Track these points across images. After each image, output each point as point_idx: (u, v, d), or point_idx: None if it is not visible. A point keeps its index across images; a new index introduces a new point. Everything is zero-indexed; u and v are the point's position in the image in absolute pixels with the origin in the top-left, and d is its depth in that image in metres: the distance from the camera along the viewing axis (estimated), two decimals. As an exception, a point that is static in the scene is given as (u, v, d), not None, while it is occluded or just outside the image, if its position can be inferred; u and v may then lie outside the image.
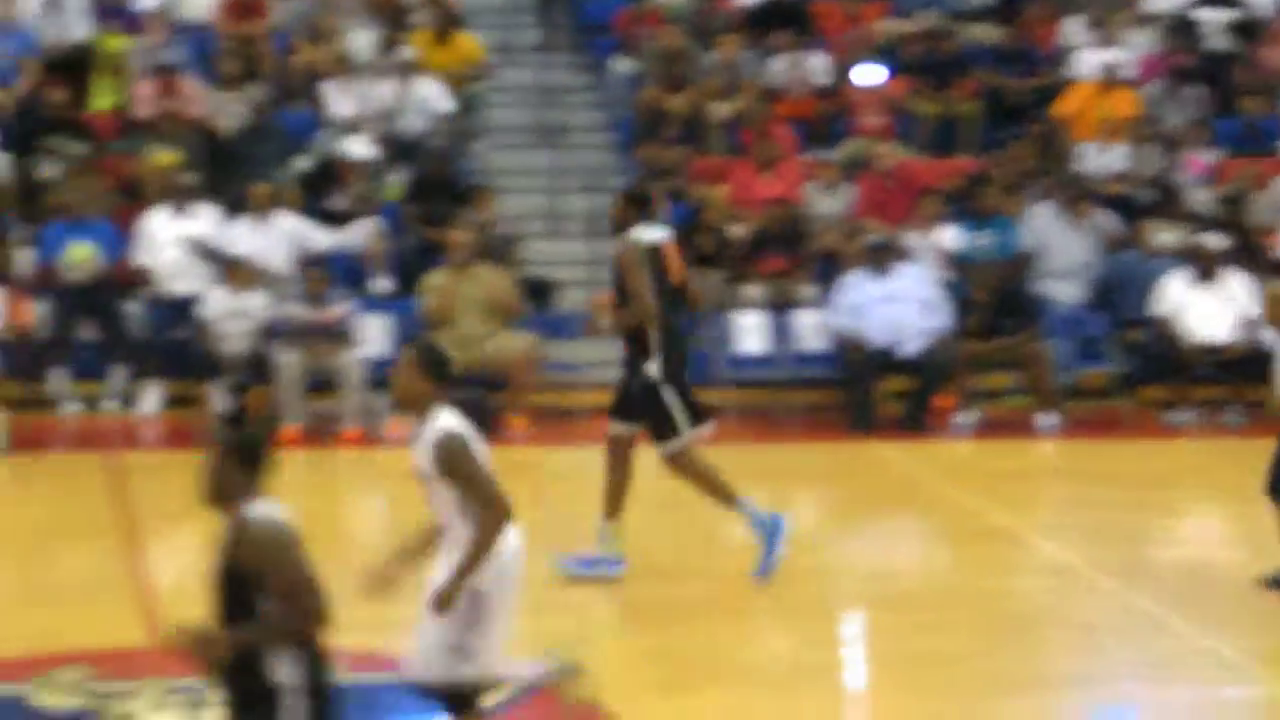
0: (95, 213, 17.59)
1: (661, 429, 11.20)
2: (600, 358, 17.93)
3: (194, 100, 18.99)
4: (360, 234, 18.05)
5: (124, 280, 17.52)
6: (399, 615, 10.49)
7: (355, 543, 12.77)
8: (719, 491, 11.39)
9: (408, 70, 19.38)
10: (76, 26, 19.61)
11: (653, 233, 11.26)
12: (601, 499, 11.45)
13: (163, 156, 18.30)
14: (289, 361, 16.48)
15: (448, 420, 7.19)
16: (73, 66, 19.38)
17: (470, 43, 20.40)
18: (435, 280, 17.19)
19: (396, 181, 18.88)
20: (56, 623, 10.25)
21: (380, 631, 10.14)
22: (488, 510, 7.16)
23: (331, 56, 19.69)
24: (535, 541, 11.66)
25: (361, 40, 20.00)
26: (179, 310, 17.28)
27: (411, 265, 17.90)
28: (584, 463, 16.16)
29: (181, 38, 19.81)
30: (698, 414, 11.33)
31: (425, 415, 7.26)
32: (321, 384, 16.70)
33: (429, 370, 7.25)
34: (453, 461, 7.15)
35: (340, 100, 19.22)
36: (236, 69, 19.27)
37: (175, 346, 17.25)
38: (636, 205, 11.27)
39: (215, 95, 19.14)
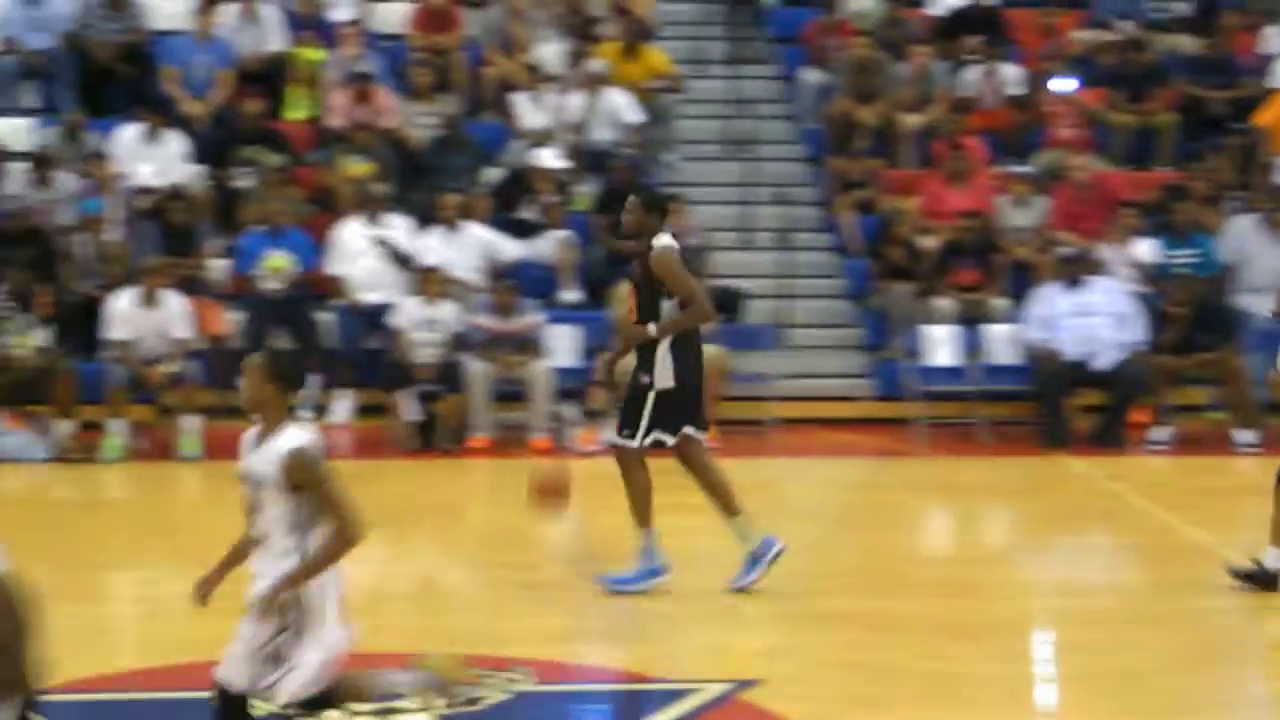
0: (290, 223, 17.78)
1: (624, 425, 10.94)
2: (790, 369, 17.86)
3: (387, 111, 19.15)
4: (550, 245, 18.10)
5: (318, 290, 17.70)
6: (580, 627, 10.51)
7: (543, 552, 12.77)
8: (640, 510, 11.04)
9: (597, 82, 19.42)
10: (272, 38, 19.85)
11: (671, 239, 11.03)
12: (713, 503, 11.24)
13: (356, 167, 18.47)
14: (478, 372, 16.55)
15: (301, 433, 7.04)
16: (268, 78, 19.63)
17: (659, 55, 20.39)
18: (626, 290, 17.15)
19: (586, 192, 18.92)
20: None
21: (561, 643, 10.14)
22: (345, 526, 7.05)
23: (522, 68, 19.78)
24: (722, 555, 11.63)
25: (551, 52, 20.07)
26: (371, 320, 17.41)
27: (600, 276, 17.92)
28: (772, 475, 16.12)
29: (375, 49, 19.99)
30: (671, 427, 10.91)
31: (272, 423, 7.07)
32: (511, 394, 16.76)
33: (279, 379, 7.06)
34: (309, 474, 7.00)
35: (530, 112, 19.30)
36: (429, 80, 19.41)
37: (367, 356, 17.39)
38: (657, 212, 11.00)
39: (407, 106, 19.29)
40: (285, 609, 7.08)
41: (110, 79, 19.55)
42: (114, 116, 18.99)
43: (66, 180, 18.03)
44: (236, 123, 19.04)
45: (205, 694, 8.84)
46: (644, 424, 10.80)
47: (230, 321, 17.38)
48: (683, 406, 10.84)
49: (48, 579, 11.47)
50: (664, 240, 10.80)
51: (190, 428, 15.99)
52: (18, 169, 18.27)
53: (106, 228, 17.54)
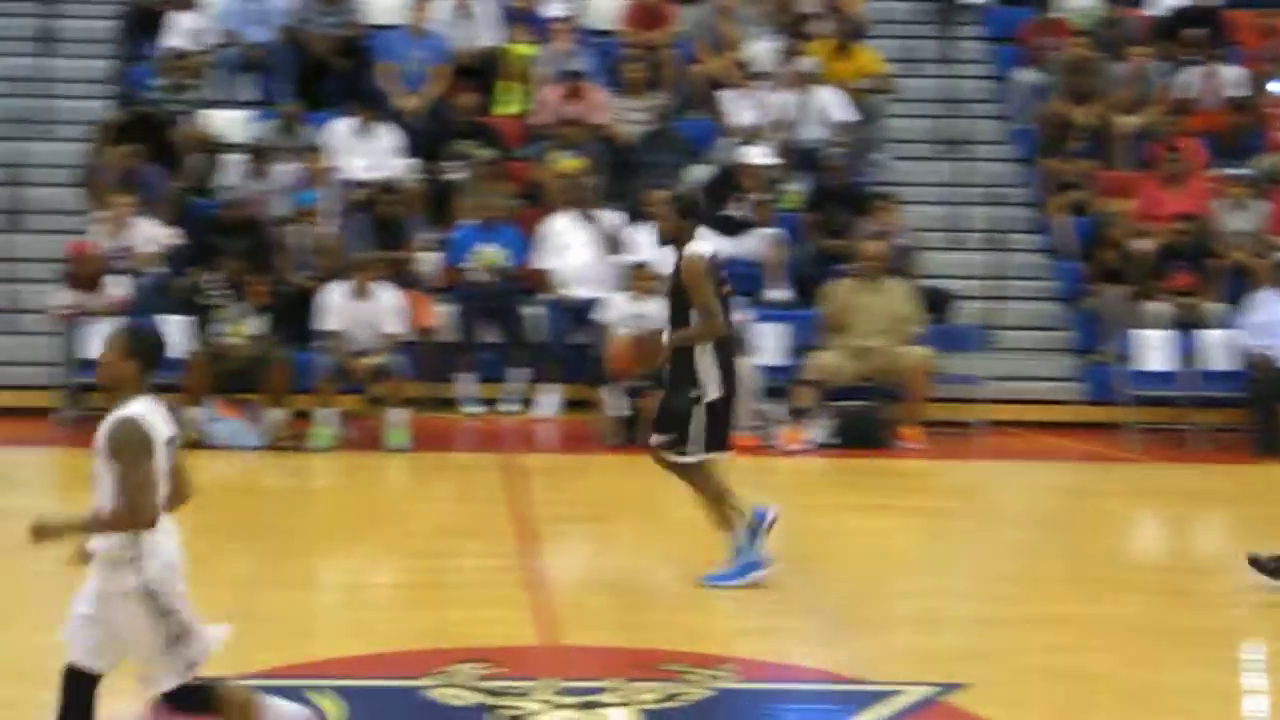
0: (500, 217, 17.89)
1: (675, 442, 10.70)
2: (1000, 371, 17.68)
3: (597, 107, 19.20)
4: (758, 243, 18.05)
5: (527, 284, 17.79)
6: (783, 626, 10.45)
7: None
8: (719, 514, 10.84)
9: (808, 80, 19.34)
10: (485, 33, 19.99)
11: (706, 243, 10.81)
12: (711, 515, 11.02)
13: (566, 162, 18.55)
14: (685, 368, 16.51)
15: (137, 408, 6.92)
16: (481, 72, 19.77)
17: (871, 54, 20.26)
18: (839, 289, 17.12)
19: (795, 190, 18.84)
20: (453, 619, 10.38)
21: (764, 640, 10.09)
22: (123, 510, 6.92)
23: (732, 65, 19.75)
24: (929, 555, 11.53)
25: (762, 49, 20.02)
26: (579, 314, 17.47)
27: (809, 274, 17.84)
28: (979, 477, 15.96)
29: (586, 45, 20.05)
30: (721, 439, 10.75)
31: (124, 399, 6.96)
32: (717, 391, 16.70)
33: (139, 354, 6.94)
34: (121, 447, 6.88)
35: (740, 109, 19.26)
36: (640, 76, 19.45)
37: (573, 350, 17.46)
38: (690, 215, 10.73)
39: (618, 102, 19.33)
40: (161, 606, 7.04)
41: (326, 72, 19.80)
42: (329, 110, 19.22)
43: (282, 172, 18.27)
44: (449, 117, 19.19)
45: (409, 682, 8.93)
46: (699, 437, 10.59)
47: (440, 315, 17.52)
48: (727, 418, 10.70)
49: (258, 565, 11.69)
50: (695, 247, 10.56)
51: (398, 419, 16.13)
52: (235, 160, 18.55)
53: (321, 220, 17.76)
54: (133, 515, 6.88)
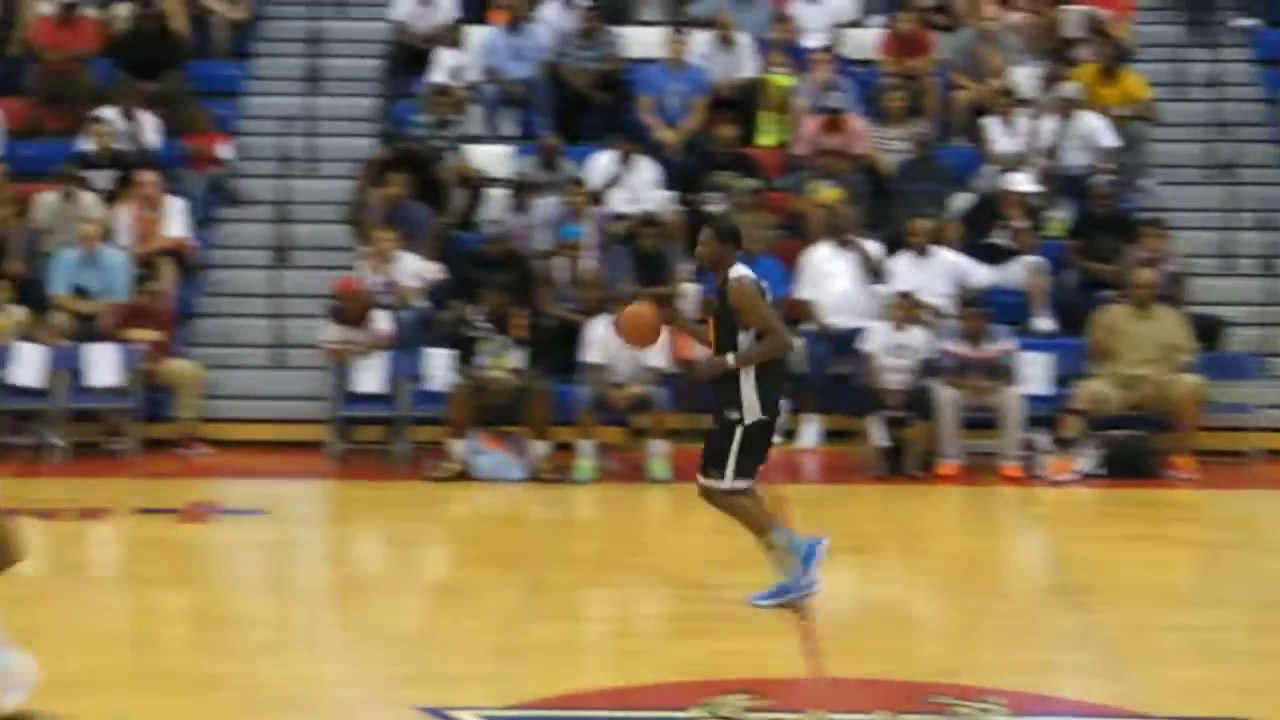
0: (761, 248, 17.82)
1: (710, 464, 10.29)
2: (1274, 399, 17.26)
3: (857, 136, 19.08)
4: (1021, 271, 17.80)
5: (788, 314, 17.69)
6: (1054, 659, 10.26)
7: (1015, 582, 12.53)
8: (759, 530, 10.37)
9: (1071, 106, 19.04)
10: (745, 64, 19.96)
11: (747, 269, 10.43)
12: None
13: (826, 192, 18.44)
14: (948, 398, 16.34)
15: None
16: (740, 104, 19.74)
17: (1136, 78, 19.90)
18: (1107, 317, 16.83)
19: (1059, 218, 18.56)
20: (718, 650, 10.34)
21: (1035, 674, 9.91)
22: None
23: (993, 92, 19.52)
24: (1203, 586, 11.27)
25: (1024, 76, 19.77)
26: (841, 345, 17.35)
27: (1074, 303, 17.55)
28: (1252, 507, 15.56)
29: (845, 74, 19.94)
30: (753, 466, 10.34)
31: None
32: (980, 421, 16.51)
33: None
34: None
35: (1002, 136, 19.02)
36: (899, 105, 19.29)
37: (835, 381, 17.34)
38: (731, 241, 10.38)
39: (877, 131, 19.20)
40: None
41: (586, 107, 19.90)
42: (589, 143, 19.32)
43: (543, 206, 18.40)
44: (708, 148, 19.19)
45: (676, 714, 8.88)
46: (732, 461, 10.20)
47: (699, 347, 17.48)
48: (765, 442, 10.34)
49: (522, 597, 11.74)
50: (740, 270, 10.30)
51: (659, 451, 16.13)
52: (497, 195, 18.72)
53: (582, 253, 17.84)
54: None
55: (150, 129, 19.26)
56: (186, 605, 11.72)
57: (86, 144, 18.87)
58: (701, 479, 10.22)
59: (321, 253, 19.02)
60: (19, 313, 17.05)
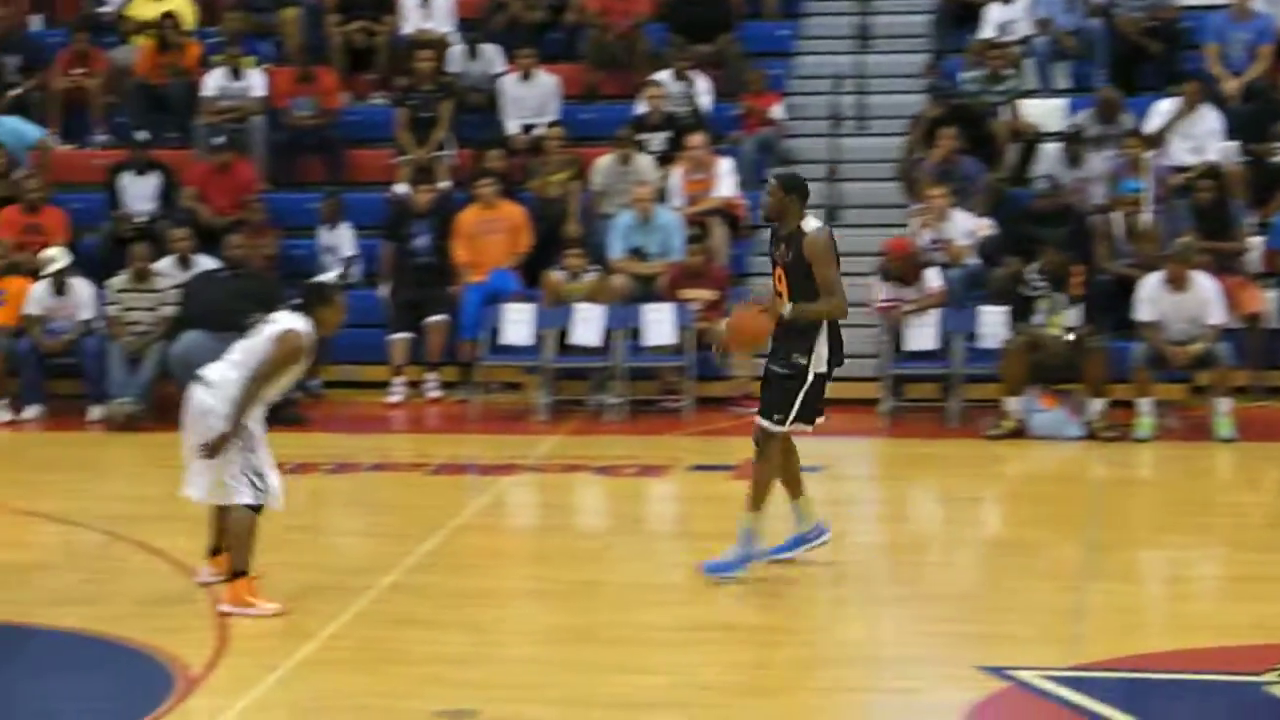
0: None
1: (774, 408, 10.57)
2: None
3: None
4: None
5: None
6: None
7: None
8: (760, 494, 10.70)
9: None
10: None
11: (821, 223, 10.62)
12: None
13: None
14: None
15: None
16: (1307, 51, 18.99)
17: None
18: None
19: None
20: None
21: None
22: None
23: None
24: None
25: None
26: None
27: None
28: None
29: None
30: (813, 413, 10.66)
31: None
32: None
33: None
34: None
35: None
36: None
37: None
38: (798, 194, 10.54)
39: None
40: None
41: (1141, 57, 19.41)
42: (1146, 94, 18.82)
43: (1099, 160, 17.99)
44: (1273, 98, 18.49)
45: (1248, 677, 8.57)
46: (796, 406, 10.51)
47: (1267, 300, 16.89)
48: (822, 395, 10.61)
49: (1084, 557, 11.49)
50: (813, 223, 10.52)
51: (1223, 409, 15.60)
52: (1052, 149, 18.39)
53: (1140, 207, 17.38)
54: None
55: (703, 91, 19.52)
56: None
57: (641, 107, 19.22)
58: (763, 421, 10.57)
59: (872, 210, 19.02)
60: (590, 277, 17.45)
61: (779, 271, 10.53)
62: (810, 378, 10.53)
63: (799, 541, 11.01)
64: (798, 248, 10.45)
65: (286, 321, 9.95)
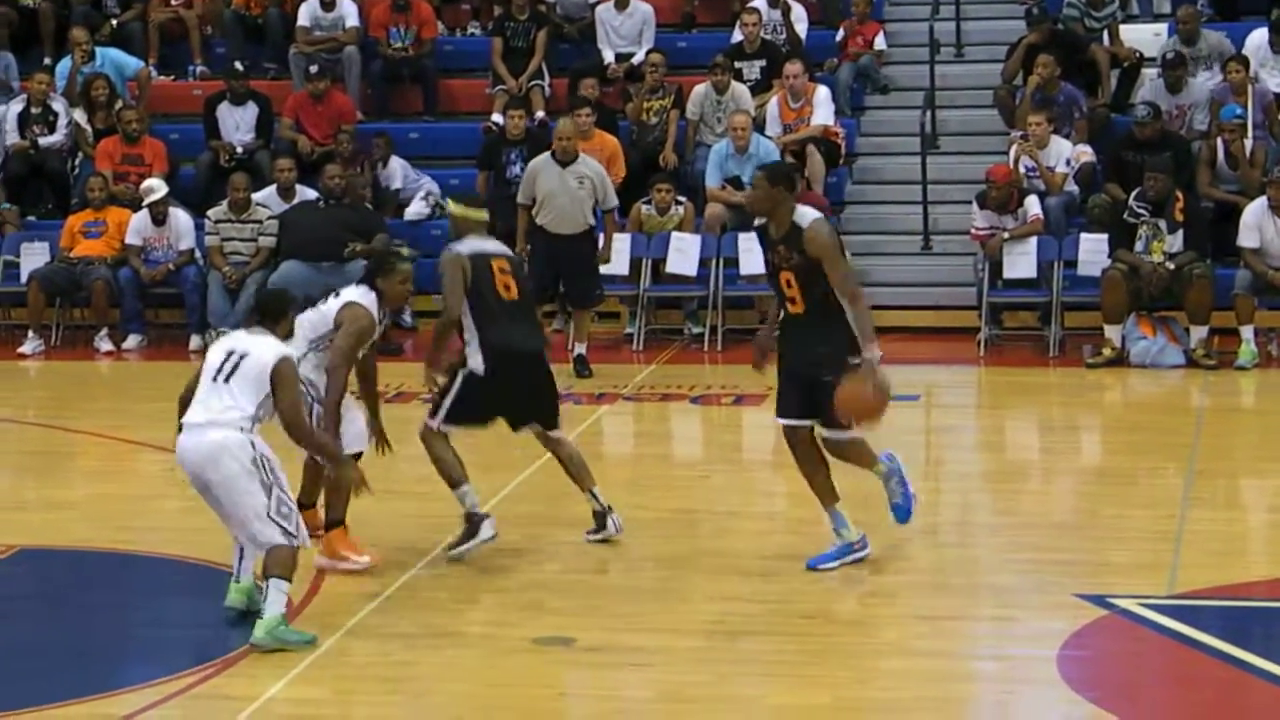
0: None
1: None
2: None
3: None
4: None
5: None
6: None
7: None
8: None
9: None
10: None
11: (815, 210, 9.70)
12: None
13: None
14: None
15: None
16: None
17: None
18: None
19: None
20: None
21: None
22: None
23: None
24: None
25: None
26: None
27: None
28: None
29: None
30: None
31: None
32: None
33: None
34: None
35: None
36: None
37: None
38: (785, 185, 9.64)
39: None
40: None
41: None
42: (1250, 19, 18.60)
43: (1200, 85, 17.78)
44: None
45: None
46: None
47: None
48: None
49: (1186, 485, 11.42)
50: (808, 213, 9.59)
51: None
52: (1152, 75, 18.18)
53: (1242, 133, 17.15)
54: None
55: (800, 18, 19.39)
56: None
57: (737, 35, 19.11)
58: (831, 433, 9.64)
59: (971, 138, 18.87)
60: (678, 211, 17.40)
61: (786, 276, 9.65)
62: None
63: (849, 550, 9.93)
64: (799, 247, 9.58)
65: (351, 295, 9.80)
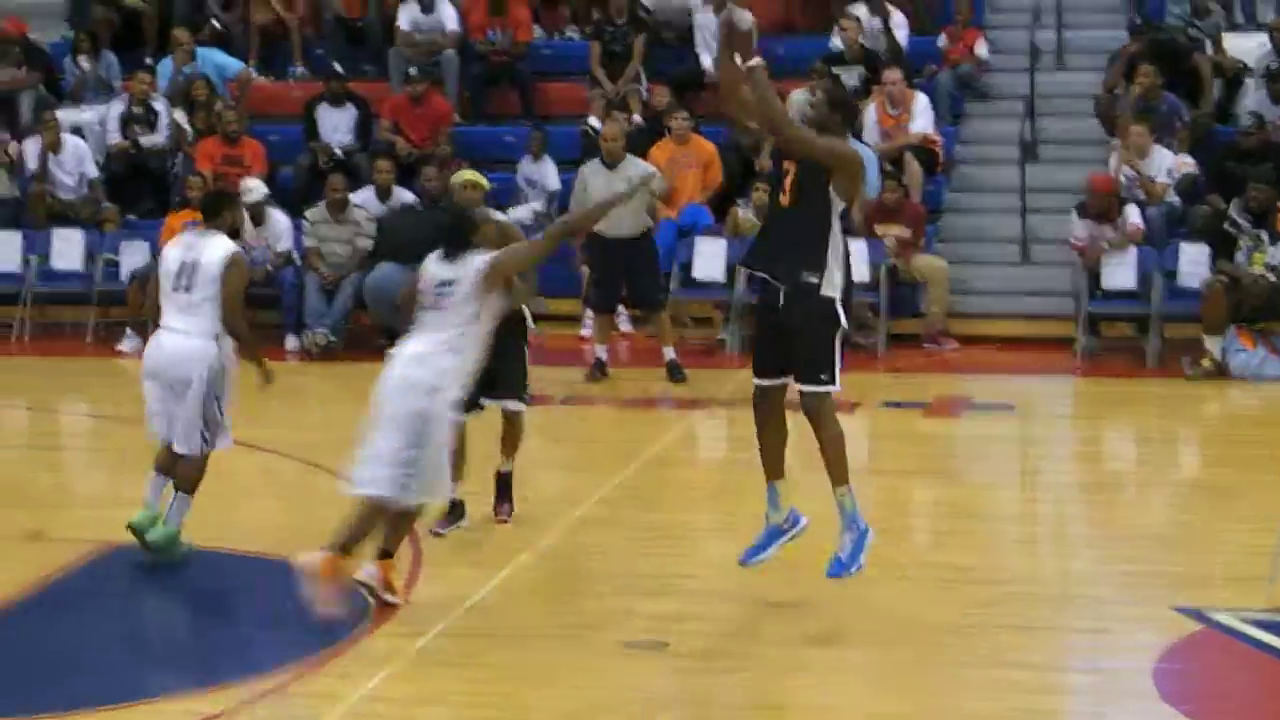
0: None
1: (823, 365, 8.94)
2: None
3: None
4: None
5: None
6: None
7: None
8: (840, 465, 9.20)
9: None
10: None
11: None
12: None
13: None
14: None
15: None
16: None
17: None
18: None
19: None
20: None
21: None
22: None
23: None
24: None
25: None
26: None
27: None
28: None
29: None
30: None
31: None
32: None
33: None
34: None
35: None
36: None
37: None
38: (844, 112, 9.16)
39: None
40: None
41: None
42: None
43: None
44: None
45: None
46: (838, 365, 8.96)
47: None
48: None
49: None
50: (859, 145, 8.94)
51: None
52: (1256, 85, 18.02)
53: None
54: None
55: (899, 25, 19.30)
56: (934, 498, 11.72)
57: (836, 41, 19.04)
58: (816, 388, 9.04)
59: (1071, 147, 18.75)
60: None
61: (789, 165, 9.06)
62: (840, 334, 9.02)
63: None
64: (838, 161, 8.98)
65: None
